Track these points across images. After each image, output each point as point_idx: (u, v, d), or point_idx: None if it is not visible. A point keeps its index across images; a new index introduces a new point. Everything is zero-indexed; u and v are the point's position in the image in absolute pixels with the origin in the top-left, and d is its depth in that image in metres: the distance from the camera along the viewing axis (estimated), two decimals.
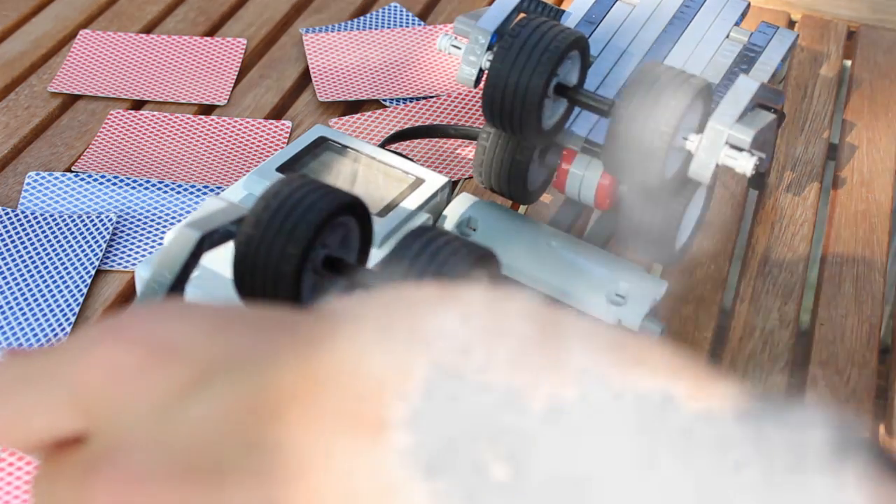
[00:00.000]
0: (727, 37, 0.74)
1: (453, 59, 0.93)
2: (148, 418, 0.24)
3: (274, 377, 0.23)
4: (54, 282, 0.70)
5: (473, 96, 0.90)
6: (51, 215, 0.76)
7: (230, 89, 0.91)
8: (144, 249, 0.74)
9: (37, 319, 0.68)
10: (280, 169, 0.64)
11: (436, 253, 0.40)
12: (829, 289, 0.75)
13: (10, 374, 0.26)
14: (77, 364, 0.25)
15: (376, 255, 0.53)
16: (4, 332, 0.67)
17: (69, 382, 0.25)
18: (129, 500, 0.23)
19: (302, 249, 0.41)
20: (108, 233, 0.74)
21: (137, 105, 0.89)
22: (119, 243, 0.74)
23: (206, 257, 0.41)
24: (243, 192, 0.63)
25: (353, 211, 0.44)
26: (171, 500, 0.23)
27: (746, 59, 0.73)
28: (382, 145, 0.77)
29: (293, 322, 0.25)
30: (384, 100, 0.90)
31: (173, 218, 0.76)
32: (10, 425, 0.26)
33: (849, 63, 0.98)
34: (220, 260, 0.44)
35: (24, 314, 0.68)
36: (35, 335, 0.67)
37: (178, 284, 0.39)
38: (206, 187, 0.79)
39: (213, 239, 0.41)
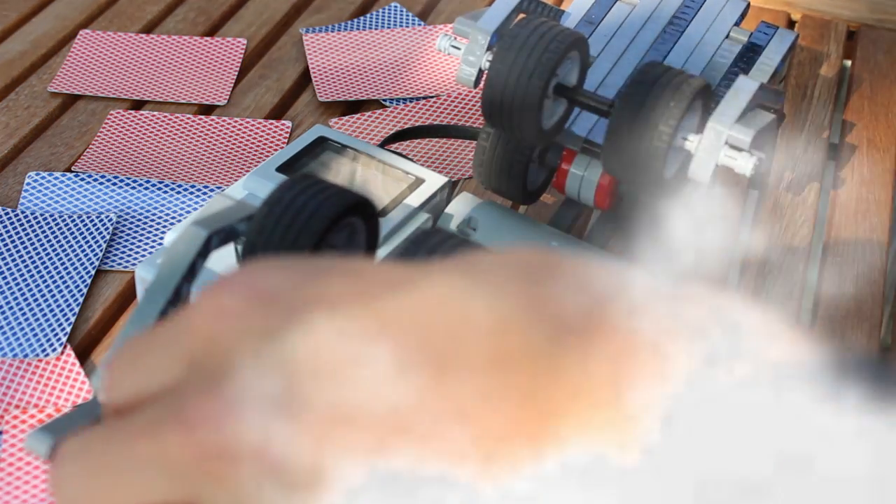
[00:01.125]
0: (727, 37, 0.74)
1: (453, 59, 0.93)
2: (246, 353, 0.26)
3: (354, 319, 0.26)
4: (54, 282, 0.70)
5: (473, 96, 0.90)
6: (51, 215, 0.76)
7: (230, 89, 0.91)
8: (144, 249, 0.74)
9: (37, 319, 0.68)
10: (280, 169, 0.65)
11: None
12: (829, 289, 0.75)
13: (132, 343, 0.29)
14: (188, 317, 0.28)
15: (377, 255, 0.53)
16: (4, 332, 0.67)
17: (180, 337, 0.28)
18: (221, 424, 0.25)
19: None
20: (108, 233, 0.74)
21: (137, 105, 0.89)
22: (119, 243, 0.74)
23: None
24: (243, 191, 0.63)
25: (359, 211, 0.43)
26: (255, 427, 0.25)
27: (746, 59, 0.73)
28: (382, 145, 0.77)
29: (379, 269, 0.28)
30: (384, 100, 0.90)
31: (173, 218, 0.76)
32: (128, 392, 0.28)
33: (849, 63, 0.98)
34: (217, 260, 0.44)
35: (24, 314, 0.68)
36: (35, 335, 0.67)
37: (184, 283, 0.38)
38: (206, 187, 0.79)
39: (221, 237, 0.41)
